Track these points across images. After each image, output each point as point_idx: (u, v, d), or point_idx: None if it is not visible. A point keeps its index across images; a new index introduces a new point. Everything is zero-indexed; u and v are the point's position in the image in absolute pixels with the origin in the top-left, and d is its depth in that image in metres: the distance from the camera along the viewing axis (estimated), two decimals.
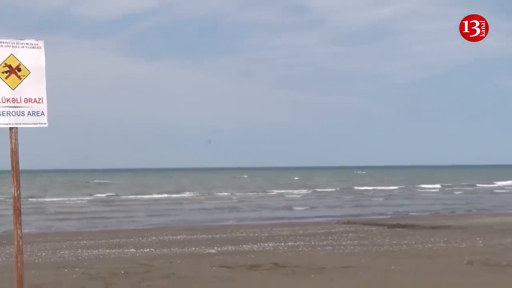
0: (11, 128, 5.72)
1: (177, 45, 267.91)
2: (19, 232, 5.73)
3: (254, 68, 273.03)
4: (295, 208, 31.99)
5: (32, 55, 5.90)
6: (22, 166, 5.89)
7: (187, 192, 49.82)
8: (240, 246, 14.18)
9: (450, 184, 61.71)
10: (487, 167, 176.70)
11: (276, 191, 50.44)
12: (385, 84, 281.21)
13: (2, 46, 5.69)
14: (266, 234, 17.01)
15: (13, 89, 5.77)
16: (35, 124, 5.91)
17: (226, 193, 47.47)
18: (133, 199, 41.33)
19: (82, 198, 42.78)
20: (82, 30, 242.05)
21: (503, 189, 54.22)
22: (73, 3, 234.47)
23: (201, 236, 16.63)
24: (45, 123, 5.97)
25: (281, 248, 13.72)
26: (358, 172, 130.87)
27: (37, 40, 5.95)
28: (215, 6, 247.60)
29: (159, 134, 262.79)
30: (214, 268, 10.48)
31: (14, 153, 5.78)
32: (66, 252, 13.38)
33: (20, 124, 5.81)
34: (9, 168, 5.83)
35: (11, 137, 5.73)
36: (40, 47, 5.95)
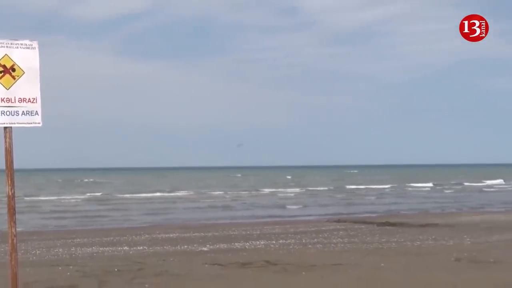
0: (5, 128, 5.78)
1: (169, 45, 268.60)
2: (13, 230, 5.79)
3: (246, 68, 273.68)
4: (286, 206, 32.12)
5: (26, 56, 5.95)
6: (17, 165, 5.95)
7: (181, 191, 49.84)
8: (232, 244, 14.28)
9: (440, 183, 62.04)
10: (477, 166, 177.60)
11: (268, 190, 50.54)
12: (376, 84, 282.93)
13: None
14: (258, 232, 17.13)
15: (8, 89, 5.82)
16: (29, 123, 5.96)
17: (219, 192, 47.53)
18: (128, 198, 41.31)
19: (77, 196, 42.70)
20: (76, 30, 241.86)
21: (491, 187, 54.64)
22: (66, 4, 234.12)
23: (193, 234, 16.73)
24: (39, 123, 6.02)
25: (272, 246, 13.84)
26: (350, 171, 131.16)
27: (31, 40, 6.01)
28: (208, 7, 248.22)
29: (153, 134, 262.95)
30: (206, 265, 10.57)
31: (9, 152, 5.84)
32: (60, 250, 13.46)
33: (14, 123, 5.86)
34: (4, 167, 5.90)
35: (5, 137, 5.79)
36: (34, 47, 6.00)
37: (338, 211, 27.76)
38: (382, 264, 10.45)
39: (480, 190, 50.33)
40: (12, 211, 5.81)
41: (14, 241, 5.79)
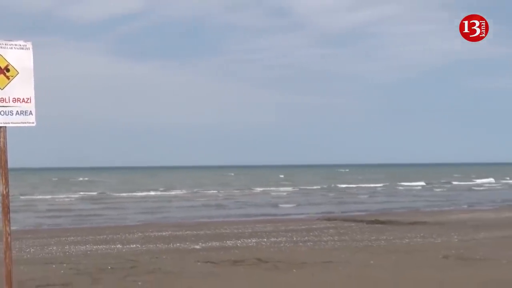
0: None
1: (163, 46, 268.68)
2: (7, 229, 5.85)
3: (240, 68, 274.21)
4: (278, 205, 32.25)
5: (20, 56, 5.98)
6: (12, 164, 6.03)
7: (175, 190, 49.88)
8: (224, 242, 14.40)
9: (431, 182, 62.41)
10: (468, 165, 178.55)
11: (261, 189, 50.67)
12: (368, 85, 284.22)
13: None
14: (250, 230, 17.25)
15: (2, 89, 5.86)
16: (24, 123, 6.01)
17: (212, 191, 47.63)
18: (121, 197, 41.29)
19: (71, 195, 42.65)
20: (70, 31, 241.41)
21: (481, 186, 55.06)
22: (61, 4, 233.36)
23: (186, 233, 16.83)
24: (33, 122, 6.07)
25: (264, 244, 13.97)
26: (342, 170, 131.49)
27: (25, 41, 6.07)
28: (202, 8, 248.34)
29: (148, 133, 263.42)
30: (198, 263, 10.67)
31: (3, 151, 5.90)
32: (54, 248, 13.53)
33: (8, 123, 5.91)
34: None
35: None
36: (28, 48, 6.04)
37: (329, 210, 27.94)
38: (372, 262, 10.59)
39: (469, 188, 50.71)
40: (6, 210, 5.88)
41: (9, 239, 5.84)
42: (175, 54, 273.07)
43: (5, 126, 5.86)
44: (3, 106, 5.86)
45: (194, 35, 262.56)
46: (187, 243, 14.20)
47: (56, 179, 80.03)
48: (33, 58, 6.05)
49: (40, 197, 40.67)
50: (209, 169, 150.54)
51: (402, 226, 18.03)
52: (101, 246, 13.76)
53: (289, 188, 51.98)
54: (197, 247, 13.51)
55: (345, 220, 20.83)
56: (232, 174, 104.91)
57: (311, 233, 16.16)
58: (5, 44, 5.92)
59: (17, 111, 5.95)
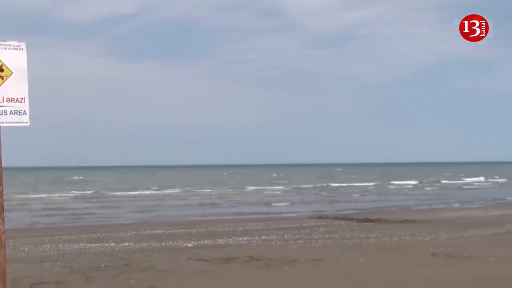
0: None
1: (156, 47, 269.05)
2: (2, 227, 5.90)
3: (232, 69, 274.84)
4: (270, 204, 32.39)
5: (14, 56, 6.03)
6: (6, 163, 6.12)
7: (169, 189, 49.91)
8: (216, 240, 14.52)
9: (423, 181, 62.76)
10: (459, 164, 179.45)
11: (254, 188, 50.80)
12: (360, 85, 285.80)
13: None
14: (241, 229, 17.38)
15: None
16: (18, 123, 6.05)
17: (206, 190, 47.73)
18: (116, 196, 41.30)
19: (66, 194, 42.59)
20: (64, 32, 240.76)
21: (471, 185, 55.48)
22: (56, 5, 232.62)
23: (178, 231, 16.94)
24: (27, 122, 6.12)
25: (255, 242, 14.10)
26: (334, 169, 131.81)
27: (19, 41, 6.15)
28: (194, 9, 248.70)
29: (142, 133, 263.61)
30: (191, 261, 10.76)
31: None
32: (48, 246, 13.60)
33: (2, 123, 5.95)
34: None
35: None
36: (22, 48, 6.10)
37: (320, 208, 28.11)
38: (361, 259, 10.71)
39: (460, 187, 51.08)
40: (0, 209, 5.94)
41: (3, 237, 5.89)
42: (169, 55, 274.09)
43: None
44: None
45: (188, 36, 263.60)
46: (180, 241, 14.31)
47: (52, 178, 79.81)
48: (27, 58, 6.15)
49: (35, 196, 40.62)
50: (204, 168, 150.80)
51: (392, 224, 18.20)
52: (94, 245, 13.85)
53: (282, 187, 52.15)
54: (190, 245, 13.62)
55: (336, 218, 20.99)
56: (226, 173, 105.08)
57: (302, 231, 16.30)
58: None
59: (11, 111, 6.00)
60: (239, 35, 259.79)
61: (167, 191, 47.10)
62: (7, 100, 6.00)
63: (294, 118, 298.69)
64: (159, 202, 34.13)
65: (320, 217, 21.52)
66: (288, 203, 32.47)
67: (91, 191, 46.67)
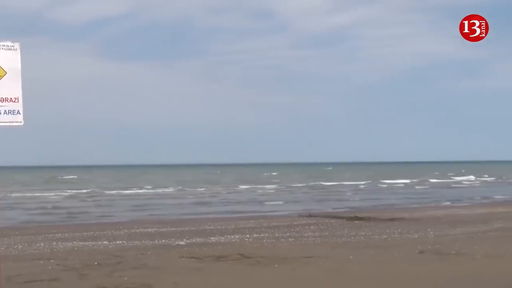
0: None
1: (148, 48, 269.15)
2: None
3: (224, 69, 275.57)
4: (262, 202, 32.54)
5: (8, 56, 6.11)
6: (1, 163, 6.21)
7: (162, 188, 49.91)
8: (208, 238, 14.65)
9: (413, 180, 63.10)
10: (449, 163, 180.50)
11: (246, 187, 50.93)
12: (349, 85, 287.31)
13: None
14: (233, 227, 17.51)
15: None
16: (11, 122, 6.14)
17: (198, 189, 47.79)
18: (110, 194, 41.23)
19: (60, 193, 42.48)
20: (58, 32, 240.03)
21: (461, 184, 55.91)
22: (50, 6, 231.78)
23: (171, 229, 17.04)
24: (21, 122, 6.20)
25: (246, 239, 14.23)
26: (325, 168, 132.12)
27: (13, 42, 6.24)
28: (185, 10, 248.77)
29: (136, 132, 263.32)
30: (183, 259, 10.86)
31: None
32: (42, 244, 13.64)
33: None
34: None
35: None
36: (16, 48, 6.19)
37: (311, 207, 28.27)
38: (351, 257, 10.86)
39: (449, 186, 51.50)
40: None
41: None
42: (162, 55, 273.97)
43: None
44: None
45: (179, 36, 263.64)
46: (172, 239, 14.43)
47: (46, 177, 79.40)
48: (21, 58, 6.23)
49: (29, 194, 40.47)
50: (196, 167, 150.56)
51: (381, 222, 18.38)
52: (88, 243, 13.93)
53: (274, 186, 52.31)
54: (182, 243, 13.74)
55: (326, 216, 21.14)
56: (219, 172, 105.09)
57: (292, 229, 16.45)
58: None
59: (5, 111, 6.08)
60: (231, 36, 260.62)
61: (160, 190, 47.09)
62: (1, 100, 6.07)
63: (285, 117, 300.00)
64: (152, 201, 34.15)
65: (310, 216, 21.69)
66: (279, 202, 32.62)
67: (85, 190, 46.55)
